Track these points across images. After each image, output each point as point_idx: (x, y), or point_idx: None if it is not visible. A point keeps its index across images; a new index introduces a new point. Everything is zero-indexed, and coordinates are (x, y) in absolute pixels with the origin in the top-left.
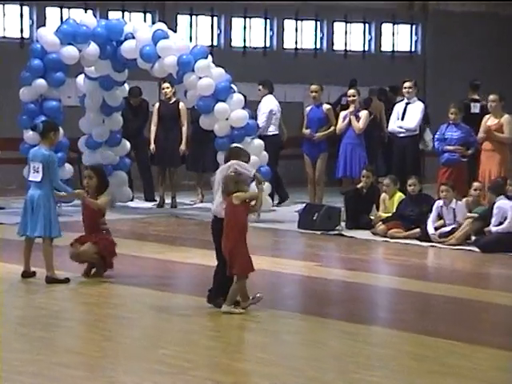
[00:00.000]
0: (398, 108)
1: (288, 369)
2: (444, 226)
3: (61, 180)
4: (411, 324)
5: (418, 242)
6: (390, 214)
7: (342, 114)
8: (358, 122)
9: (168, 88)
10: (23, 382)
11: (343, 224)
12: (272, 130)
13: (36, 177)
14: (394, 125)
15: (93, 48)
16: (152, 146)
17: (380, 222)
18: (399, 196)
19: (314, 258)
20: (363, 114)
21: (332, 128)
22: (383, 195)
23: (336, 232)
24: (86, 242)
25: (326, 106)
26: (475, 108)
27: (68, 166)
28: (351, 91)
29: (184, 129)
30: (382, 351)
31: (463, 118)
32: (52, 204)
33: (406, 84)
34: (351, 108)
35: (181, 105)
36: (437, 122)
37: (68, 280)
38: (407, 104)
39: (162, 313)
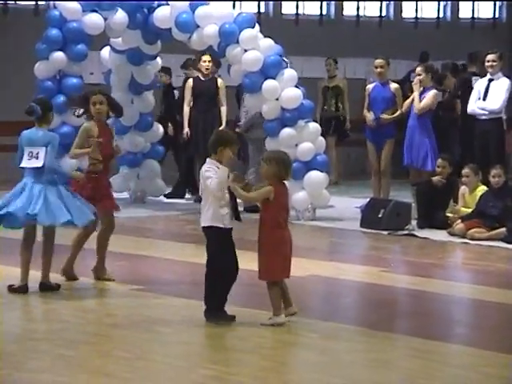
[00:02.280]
0: (479, 86)
1: None
2: None
3: (80, 170)
4: (496, 341)
5: (503, 244)
6: (469, 211)
7: (416, 94)
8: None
9: (209, 62)
10: None
11: (414, 222)
12: None
13: (35, 162)
14: (475, 105)
15: (120, 16)
16: (186, 130)
17: (458, 220)
18: (482, 189)
19: (379, 263)
20: (430, 92)
21: (400, 111)
22: (462, 188)
23: (406, 232)
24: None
25: (393, 85)
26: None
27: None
28: (419, 68)
29: (223, 109)
30: (463, 373)
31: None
32: (64, 189)
33: (489, 57)
34: (416, 88)
35: (219, 81)
36: None
37: (59, 287)
38: (490, 81)
39: (202, 327)
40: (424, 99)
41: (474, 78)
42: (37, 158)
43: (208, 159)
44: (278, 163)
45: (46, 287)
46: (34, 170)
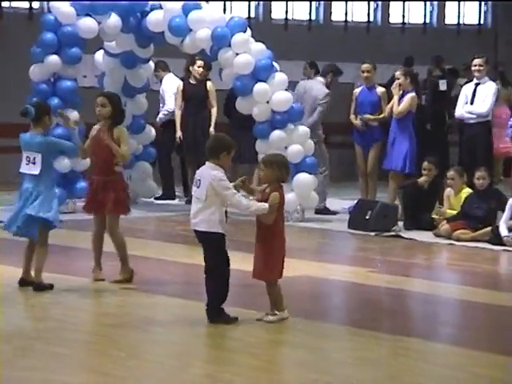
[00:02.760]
0: (467, 90)
1: None
2: None
3: (73, 171)
4: (482, 341)
5: (488, 246)
6: (454, 213)
7: (396, 97)
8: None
9: (202, 67)
10: None
11: (401, 224)
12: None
13: (32, 169)
14: (463, 109)
15: (114, 20)
16: (179, 133)
17: (444, 221)
18: (467, 191)
19: (366, 263)
20: (408, 96)
21: (384, 113)
22: (448, 190)
23: (392, 233)
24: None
25: (380, 89)
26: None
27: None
28: (397, 72)
29: (214, 110)
30: (449, 373)
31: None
32: (54, 194)
33: (476, 61)
34: (395, 92)
35: (208, 84)
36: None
37: (52, 287)
38: (477, 85)
39: (193, 326)
40: (402, 103)
41: (440, 81)
42: (34, 163)
43: (210, 164)
44: (280, 167)
45: (40, 287)
46: (31, 176)
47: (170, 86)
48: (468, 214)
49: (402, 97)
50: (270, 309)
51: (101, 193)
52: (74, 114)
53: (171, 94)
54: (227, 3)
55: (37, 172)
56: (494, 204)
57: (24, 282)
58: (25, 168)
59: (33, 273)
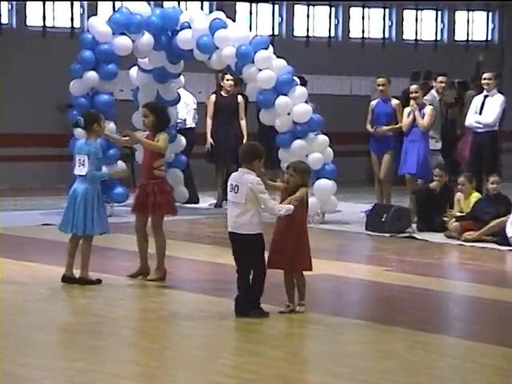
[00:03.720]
0: (477, 101)
1: (358, 382)
2: None
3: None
4: (490, 334)
5: (496, 246)
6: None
7: (407, 110)
8: (423, 118)
9: (231, 81)
10: None
11: (414, 226)
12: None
13: (81, 170)
14: (472, 119)
15: (147, 38)
16: (209, 141)
17: (453, 219)
18: (476, 196)
19: (383, 262)
20: (428, 109)
21: (400, 124)
22: (458, 195)
23: (407, 234)
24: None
25: (394, 101)
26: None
27: (121, 163)
28: (413, 87)
29: (243, 122)
30: (460, 364)
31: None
32: (96, 200)
33: (486, 75)
34: (415, 108)
35: (239, 97)
36: None
37: (100, 281)
38: (486, 97)
39: (221, 320)
40: (426, 117)
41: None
42: (83, 165)
43: (245, 170)
44: (305, 173)
45: (86, 281)
46: (80, 177)
47: (182, 98)
48: (477, 217)
49: (419, 110)
50: (288, 300)
51: (144, 195)
52: (111, 126)
53: (183, 104)
54: (252, 21)
55: (84, 173)
56: (502, 210)
57: (67, 278)
58: (77, 170)
59: (76, 270)
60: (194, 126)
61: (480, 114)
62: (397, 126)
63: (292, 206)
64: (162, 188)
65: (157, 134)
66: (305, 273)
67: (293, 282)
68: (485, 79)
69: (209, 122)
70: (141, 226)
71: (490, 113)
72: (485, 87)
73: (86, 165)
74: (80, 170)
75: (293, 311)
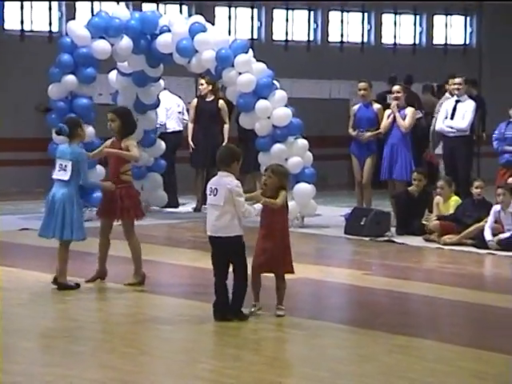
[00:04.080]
0: (447, 106)
1: None
2: (502, 232)
3: None
4: (468, 338)
5: (474, 249)
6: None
7: (387, 112)
8: (404, 119)
9: (202, 85)
10: None
11: (393, 230)
12: (170, 127)
13: (63, 175)
14: (443, 124)
15: (126, 42)
16: (190, 144)
17: (434, 217)
18: (455, 200)
19: (362, 266)
20: (409, 111)
21: (380, 129)
22: (437, 198)
23: (386, 238)
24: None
25: (376, 106)
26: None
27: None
28: (396, 87)
29: (226, 126)
30: (438, 367)
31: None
32: (76, 205)
33: (456, 80)
34: (395, 110)
35: (220, 102)
36: (494, 119)
37: (78, 286)
38: (457, 102)
39: (200, 325)
40: (407, 118)
41: (388, 95)
42: (65, 170)
43: (223, 173)
44: (284, 176)
45: (65, 287)
46: (60, 181)
47: (163, 102)
48: (458, 219)
49: (399, 111)
50: (254, 300)
51: (111, 200)
52: (89, 130)
53: (163, 109)
54: (231, 25)
55: (66, 178)
56: (484, 215)
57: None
58: (57, 174)
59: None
60: (178, 129)
61: (452, 118)
62: (378, 131)
63: (260, 206)
64: (130, 192)
65: (123, 138)
66: (285, 277)
67: (261, 282)
68: (455, 84)
69: (190, 125)
70: (106, 231)
71: (463, 117)
72: (455, 92)
73: (69, 170)
74: (61, 174)
75: (260, 309)
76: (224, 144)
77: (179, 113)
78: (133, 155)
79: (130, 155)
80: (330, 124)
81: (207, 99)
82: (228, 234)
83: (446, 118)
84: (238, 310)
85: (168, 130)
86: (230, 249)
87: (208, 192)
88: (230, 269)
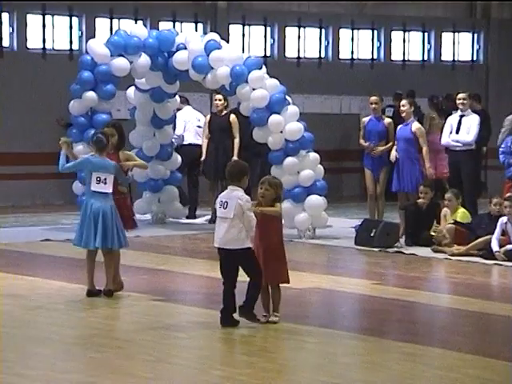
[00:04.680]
0: (452, 120)
1: None
2: (509, 243)
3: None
4: (474, 346)
5: (481, 260)
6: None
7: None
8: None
9: (220, 100)
10: None
11: (402, 241)
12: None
13: (105, 188)
14: (449, 138)
15: (144, 59)
16: (203, 158)
17: (451, 220)
18: (462, 212)
19: (371, 276)
20: (418, 129)
21: (391, 143)
22: (444, 210)
23: (395, 249)
24: None
25: (386, 120)
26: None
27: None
28: (403, 101)
29: (236, 141)
30: (445, 374)
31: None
32: (116, 214)
33: (460, 95)
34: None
35: (232, 117)
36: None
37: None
38: (461, 116)
39: (215, 333)
40: (420, 138)
41: (387, 108)
42: (105, 183)
43: (234, 187)
44: (278, 187)
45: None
46: (99, 193)
47: (182, 116)
48: (473, 229)
49: (405, 125)
50: (264, 311)
51: None
52: None
53: (181, 122)
54: (245, 43)
55: (109, 190)
56: None
57: (92, 293)
58: (97, 187)
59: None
60: (196, 142)
61: (457, 133)
62: (389, 144)
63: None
64: (126, 203)
65: (119, 151)
66: (295, 286)
67: (269, 293)
68: (460, 99)
69: (204, 140)
70: None
71: (468, 131)
72: (460, 107)
73: (109, 182)
74: (101, 187)
75: (268, 321)
76: (233, 159)
77: (198, 127)
78: (144, 163)
79: (143, 164)
80: (340, 138)
81: (218, 114)
82: (236, 246)
83: (452, 132)
84: (249, 309)
85: (185, 142)
86: (241, 261)
87: (218, 205)
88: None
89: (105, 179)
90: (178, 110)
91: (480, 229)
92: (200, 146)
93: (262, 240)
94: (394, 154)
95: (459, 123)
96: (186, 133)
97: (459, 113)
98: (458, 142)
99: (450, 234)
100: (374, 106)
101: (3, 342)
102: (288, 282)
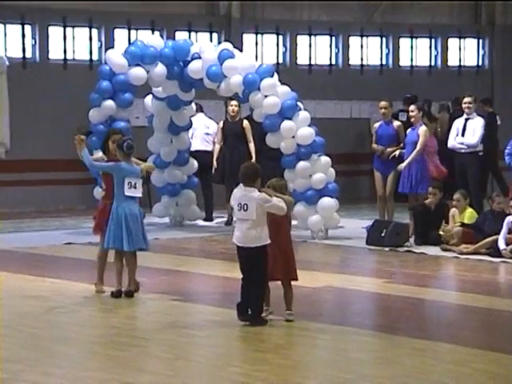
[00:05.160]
0: (458, 124)
1: None
2: None
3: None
4: (483, 341)
5: (489, 258)
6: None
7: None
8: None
9: (236, 106)
10: None
11: (412, 240)
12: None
13: (135, 192)
14: (454, 141)
15: (160, 68)
16: (214, 164)
17: (458, 223)
18: (470, 212)
19: (382, 275)
20: (422, 130)
21: (401, 145)
22: (453, 210)
23: (405, 248)
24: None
25: (396, 123)
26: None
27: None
28: (411, 107)
29: (251, 145)
30: (455, 369)
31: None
32: (141, 217)
33: (466, 99)
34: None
35: (245, 122)
36: (506, 137)
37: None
38: (467, 120)
39: (231, 331)
40: (420, 138)
41: (400, 113)
42: (135, 187)
43: (250, 188)
44: (283, 188)
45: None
46: (130, 197)
47: (195, 123)
48: (479, 228)
49: (413, 129)
50: (265, 305)
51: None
52: None
53: (190, 129)
54: (258, 51)
55: (140, 194)
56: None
57: (119, 294)
58: (129, 192)
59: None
60: (202, 149)
61: (462, 135)
62: (399, 147)
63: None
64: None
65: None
66: (309, 285)
67: (269, 289)
68: (465, 103)
69: (216, 146)
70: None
71: (473, 134)
72: (466, 111)
73: (139, 187)
74: (132, 191)
75: (271, 313)
76: (248, 162)
77: (206, 134)
78: (150, 165)
79: (148, 166)
80: (351, 142)
81: (231, 120)
82: (258, 243)
83: (457, 135)
84: (256, 316)
85: (192, 149)
86: (258, 257)
87: (237, 208)
88: None
89: (135, 184)
90: (191, 116)
91: (486, 225)
92: (207, 152)
93: (272, 240)
94: (397, 154)
95: (464, 126)
96: (193, 139)
97: (465, 116)
98: (462, 144)
99: (458, 237)
100: (383, 110)
101: (29, 342)
102: (296, 279)
